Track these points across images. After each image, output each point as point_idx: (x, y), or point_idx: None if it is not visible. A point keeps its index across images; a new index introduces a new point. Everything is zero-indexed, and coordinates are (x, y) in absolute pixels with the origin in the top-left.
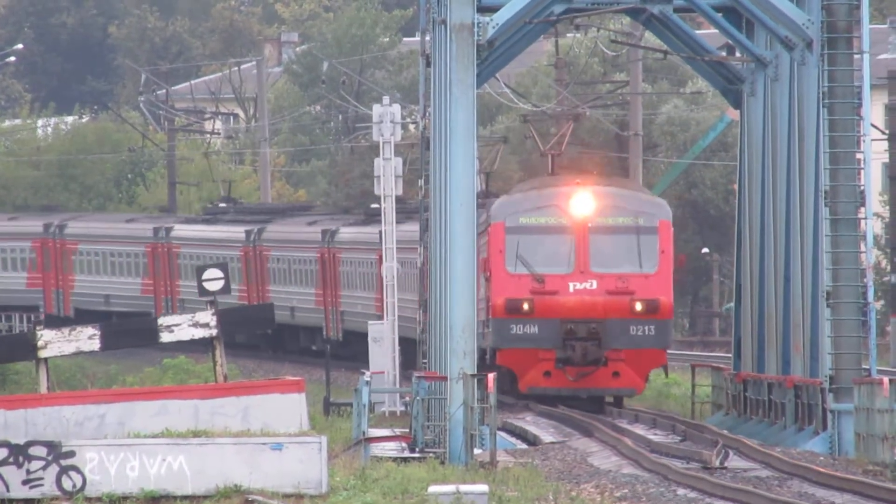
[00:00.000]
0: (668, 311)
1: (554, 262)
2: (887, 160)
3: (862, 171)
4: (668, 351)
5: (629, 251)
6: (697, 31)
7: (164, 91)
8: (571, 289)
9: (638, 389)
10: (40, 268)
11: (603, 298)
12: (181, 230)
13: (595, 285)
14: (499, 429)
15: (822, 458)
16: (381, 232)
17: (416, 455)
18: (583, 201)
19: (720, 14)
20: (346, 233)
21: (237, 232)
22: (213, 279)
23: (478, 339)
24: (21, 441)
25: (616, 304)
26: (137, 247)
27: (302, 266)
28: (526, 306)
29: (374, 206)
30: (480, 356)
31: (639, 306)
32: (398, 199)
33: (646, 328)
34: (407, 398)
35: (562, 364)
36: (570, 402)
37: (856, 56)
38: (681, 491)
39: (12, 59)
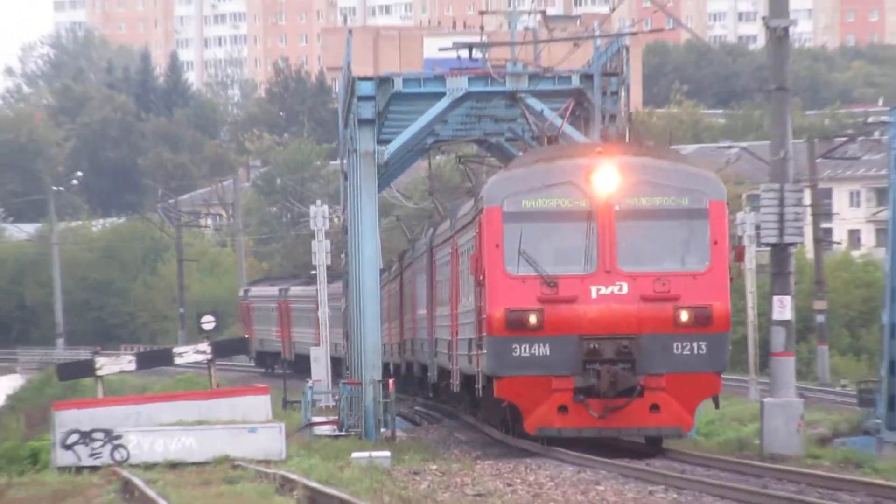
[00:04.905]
0: (724, 322)
1: (570, 258)
2: None
3: None
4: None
5: (671, 243)
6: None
7: (173, 200)
8: (594, 294)
9: (685, 427)
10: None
11: (636, 307)
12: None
13: (626, 289)
14: (397, 415)
15: None
16: (316, 289)
17: (343, 434)
18: (608, 176)
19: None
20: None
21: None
22: (208, 322)
23: (462, 360)
24: (87, 429)
25: (654, 313)
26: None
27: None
28: (533, 319)
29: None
30: (465, 380)
31: (685, 316)
32: (328, 268)
33: (695, 345)
34: (336, 397)
35: (583, 396)
36: (591, 443)
37: None
38: (523, 445)
39: (75, 182)
